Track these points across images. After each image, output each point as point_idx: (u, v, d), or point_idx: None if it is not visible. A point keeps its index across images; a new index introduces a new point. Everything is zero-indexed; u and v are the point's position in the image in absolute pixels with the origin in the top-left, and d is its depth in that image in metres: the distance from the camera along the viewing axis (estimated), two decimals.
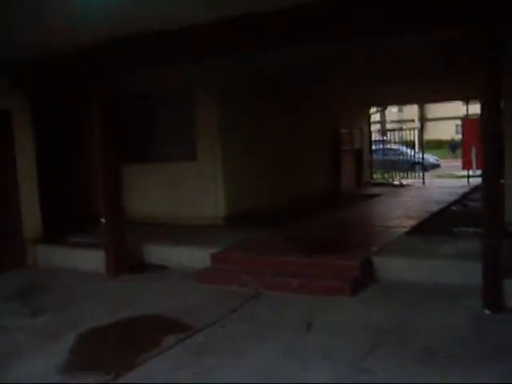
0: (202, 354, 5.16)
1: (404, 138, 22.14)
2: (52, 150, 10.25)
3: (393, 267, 7.24)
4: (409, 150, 22.21)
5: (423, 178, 19.57)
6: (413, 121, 40.19)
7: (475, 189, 14.61)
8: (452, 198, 13.85)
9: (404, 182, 19.75)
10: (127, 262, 8.41)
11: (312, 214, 11.41)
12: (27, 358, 5.23)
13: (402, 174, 20.88)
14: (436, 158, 31.66)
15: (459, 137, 30.05)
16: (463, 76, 11.76)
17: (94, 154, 8.53)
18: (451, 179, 21.28)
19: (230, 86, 10.89)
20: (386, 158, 22.15)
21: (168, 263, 8.49)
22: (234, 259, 7.93)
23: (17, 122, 9.07)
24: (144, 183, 11.28)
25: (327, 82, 13.24)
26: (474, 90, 11.67)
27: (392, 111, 34.67)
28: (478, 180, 11.79)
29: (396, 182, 19.63)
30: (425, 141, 30.73)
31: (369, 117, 20.93)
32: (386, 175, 21.24)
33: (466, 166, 16.45)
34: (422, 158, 21.36)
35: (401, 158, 21.66)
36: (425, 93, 17.50)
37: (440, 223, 10.21)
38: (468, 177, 17.96)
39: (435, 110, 44.22)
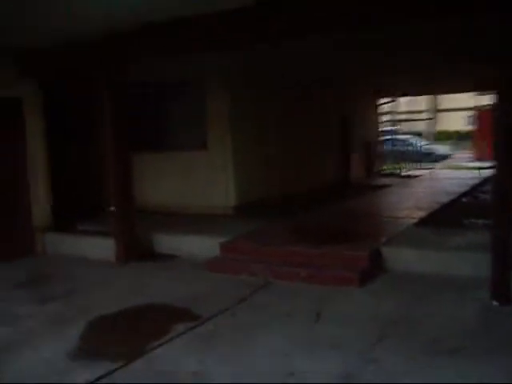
0: (212, 341, 5.19)
1: (414, 129, 22.06)
2: (63, 138, 10.25)
3: (402, 258, 7.24)
4: (419, 141, 22.12)
5: (434, 169, 19.46)
6: (423, 112, 39.90)
7: (486, 180, 14.55)
8: (462, 190, 13.81)
9: (414, 172, 19.63)
10: (137, 251, 8.45)
11: (322, 204, 11.42)
12: (37, 344, 5.28)
13: (411, 165, 20.76)
14: (447, 148, 31.45)
15: (467, 128, 29.80)
16: (477, 67, 11.65)
17: (105, 142, 8.56)
18: (462, 170, 21.15)
19: (242, 74, 10.85)
20: (395, 148, 22.06)
21: (178, 252, 8.52)
22: (244, 249, 7.95)
23: (28, 109, 9.08)
24: (156, 172, 11.32)
25: (334, 78, 13.16)
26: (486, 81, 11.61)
27: (402, 102, 34.34)
28: (489, 172, 11.73)
29: (404, 173, 19.52)
30: (436, 132, 30.52)
31: (379, 107, 20.84)
32: (396, 166, 21.16)
33: (480, 156, 16.31)
34: (433, 149, 21.26)
35: (409, 148, 21.56)
36: (439, 82, 17.28)
37: (450, 215, 10.19)
38: (479, 168, 17.87)
39: (447, 101, 43.88)
